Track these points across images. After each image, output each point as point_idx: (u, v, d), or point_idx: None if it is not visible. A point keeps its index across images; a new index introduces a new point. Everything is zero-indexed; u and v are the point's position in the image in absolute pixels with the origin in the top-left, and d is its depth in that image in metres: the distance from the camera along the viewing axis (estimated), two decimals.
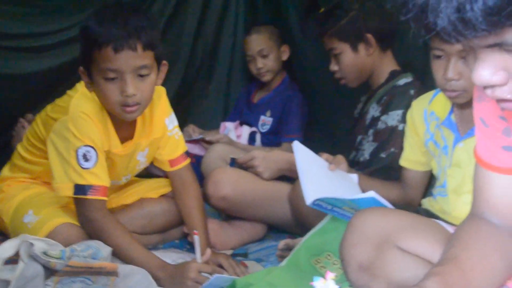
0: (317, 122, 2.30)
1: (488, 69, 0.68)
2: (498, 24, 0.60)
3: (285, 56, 2.27)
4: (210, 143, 2.10)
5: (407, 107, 1.62)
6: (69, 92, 1.53)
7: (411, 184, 1.61)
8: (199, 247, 1.42)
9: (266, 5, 2.46)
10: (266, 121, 2.26)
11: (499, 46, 0.65)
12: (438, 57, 1.37)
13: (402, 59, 1.81)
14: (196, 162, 2.03)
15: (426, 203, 1.56)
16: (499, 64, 0.67)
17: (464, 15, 0.59)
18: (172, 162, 1.61)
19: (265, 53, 2.22)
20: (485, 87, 0.70)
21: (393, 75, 1.76)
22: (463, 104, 1.40)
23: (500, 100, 0.71)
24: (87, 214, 1.41)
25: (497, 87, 0.69)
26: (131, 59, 1.31)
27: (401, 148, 1.62)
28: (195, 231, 1.45)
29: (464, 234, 0.91)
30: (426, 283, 0.79)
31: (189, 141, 2.10)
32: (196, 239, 1.42)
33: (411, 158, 1.59)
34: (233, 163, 1.77)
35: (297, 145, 1.50)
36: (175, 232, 1.71)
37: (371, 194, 1.27)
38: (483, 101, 0.90)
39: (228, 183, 1.68)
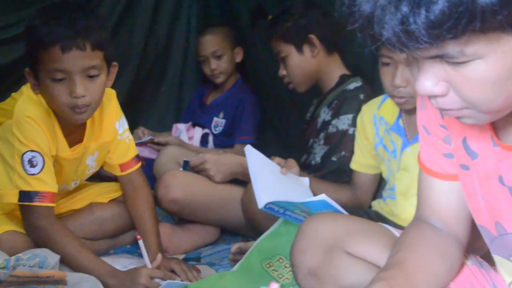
0: (270, 124, 2.34)
1: (431, 80, 0.70)
2: (440, 37, 0.62)
3: (238, 58, 2.28)
4: (160, 145, 2.09)
5: (357, 111, 1.67)
6: (14, 94, 1.49)
7: (362, 187, 1.66)
8: (145, 252, 1.42)
9: (220, 6, 2.47)
10: (219, 122, 2.27)
11: (441, 58, 0.68)
12: (386, 64, 1.42)
13: (351, 63, 1.87)
14: (146, 165, 2.02)
15: (376, 205, 1.62)
16: (440, 76, 0.70)
17: (407, 28, 0.62)
18: (122, 166, 1.59)
19: (218, 55, 2.22)
20: (429, 97, 0.73)
21: (343, 79, 1.81)
22: (410, 110, 1.45)
23: (443, 110, 0.74)
24: (33, 222, 1.38)
25: (439, 98, 0.72)
26: (80, 59, 1.29)
27: (351, 152, 1.67)
28: (138, 236, 1.44)
29: (408, 238, 0.94)
30: (371, 287, 0.83)
31: (138, 143, 2.08)
32: (141, 243, 1.41)
33: (361, 162, 1.64)
34: (186, 166, 1.77)
35: (249, 149, 1.52)
36: (126, 237, 1.70)
37: (322, 197, 1.31)
38: (426, 109, 0.95)
39: (178, 186, 1.68)
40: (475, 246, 1.02)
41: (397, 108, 1.52)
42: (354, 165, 1.66)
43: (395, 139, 1.52)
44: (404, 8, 0.61)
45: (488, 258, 0.98)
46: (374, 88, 1.74)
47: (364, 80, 1.81)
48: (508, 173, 0.81)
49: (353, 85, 1.78)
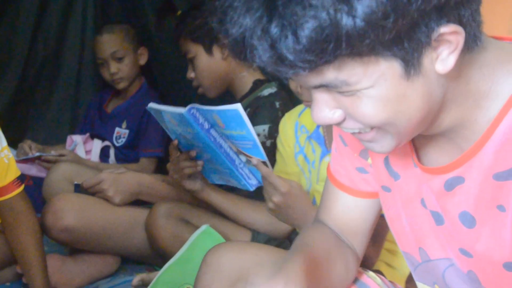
0: None
1: (324, 110, 0.73)
2: (311, 62, 0.64)
3: (143, 60, 2.22)
4: (50, 162, 1.97)
5: (273, 121, 1.65)
6: None
7: None
8: None
9: (120, 1, 2.40)
10: (121, 133, 2.19)
11: (325, 86, 0.69)
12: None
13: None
14: (34, 185, 1.93)
15: None
16: (332, 104, 0.72)
17: (278, 52, 0.64)
18: (0, 191, 1.46)
19: (119, 56, 2.14)
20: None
21: (257, 85, 1.78)
22: None
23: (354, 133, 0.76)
24: None
25: (342, 124, 0.74)
26: None
27: (272, 165, 1.63)
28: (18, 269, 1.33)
29: (311, 235, 0.96)
30: (291, 256, 0.84)
31: (25, 160, 1.97)
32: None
33: (284, 170, 1.61)
34: (77, 190, 1.69)
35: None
36: (7, 272, 1.62)
37: (236, 106, 1.34)
38: None
39: (71, 212, 1.61)
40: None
41: None
42: (276, 174, 1.62)
43: (315, 148, 1.51)
44: (273, 31, 0.63)
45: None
46: (291, 93, 1.72)
47: (281, 85, 1.78)
48: (430, 198, 0.82)
49: (267, 91, 1.75)
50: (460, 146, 0.76)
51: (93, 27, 2.37)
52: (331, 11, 0.61)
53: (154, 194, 1.69)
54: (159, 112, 1.54)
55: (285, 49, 0.63)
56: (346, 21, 0.62)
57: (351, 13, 0.62)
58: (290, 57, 0.64)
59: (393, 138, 0.74)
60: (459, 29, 0.66)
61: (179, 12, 1.87)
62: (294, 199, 1.27)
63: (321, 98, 0.72)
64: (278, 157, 1.63)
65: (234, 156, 1.49)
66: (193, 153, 1.55)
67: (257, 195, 1.65)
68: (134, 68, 2.18)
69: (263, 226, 1.56)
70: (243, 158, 1.48)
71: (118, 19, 2.32)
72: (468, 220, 0.77)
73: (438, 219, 0.82)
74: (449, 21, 0.66)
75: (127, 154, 2.16)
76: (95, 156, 2.14)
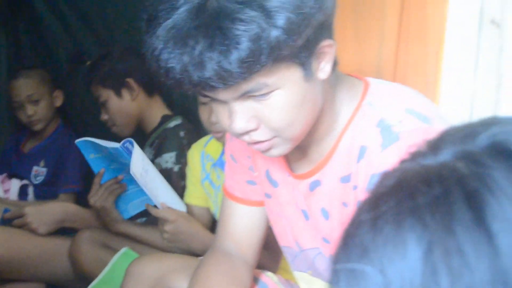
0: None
1: (243, 119, 0.84)
2: (250, 70, 0.76)
3: (58, 102, 2.28)
4: None
5: (179, 148, 1.82)
6: None
7: (201, 220, 1.76)
8: None
9: (33, 47, 2.45)
10: (39, 171, 2.23)
11: (248, 95, 0.82)
12: (204, 103, 1.61)
13: (177, 103, 2.03)
14: None
15: None
16: (250, 112, 0.84)
17: (224, 66, 0.75)
18: None
19: (35, 99, 2.19)
20: (241, 135, 0.86)
21: (165, 119, 1.96)
22: None
23: (254, 143, 0.87)
24: None
25: (252, 132, 0.86)
26: None
27: (181, 189, 1.79)
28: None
29: (204, 268, 1.10)
30: None
31: None
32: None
33: (195, 195, 1.77)
34: (1, 221, 1.74)
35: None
36: None
37: (117, 145, 1.55)
38: (234, 141, 1.12)
39: None
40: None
41: (221, 146, 1.71)
42: (188, 198, 1.77)
43: (220, 173, 1.68)
44: (215, 53, 0.75)
45: None
46: (198, 124, 1.91)
47: (187, 118, 1.97)
48: (300, 199, 1.01)
49: (173, 123, 1.92)
50: (319, 156, 0.95)
51: (7, 72, 2.39)
52: (263, 24, 0.73)
53: (78, 221, 1.78)
54: (88, 144, 1.67)
55: (229, 64, 0.74)
56: (274, 32, 0.74)
57: (275, 25, 0.74)
58: (235, 70, 0.75)
59: (288, 142, 0.87)
60: (333, 42, 0.84)
61: (88, 62, 2.00)
62: (183, 224, 1.45)
63: (240, 109, 0.83)
64: (188, 183, 1.78)
65: None
66: (121, 177, 1.69)
67: None
68: (50, 110, 2.23)
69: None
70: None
71: (32, 64, 2.36)
72: (325, 214, 0.96)
73: (306, 215, 1.00)
74: (327, 36, 0.83)
75: (46, 191, 2.19)
76: (14, 195, 2.15)
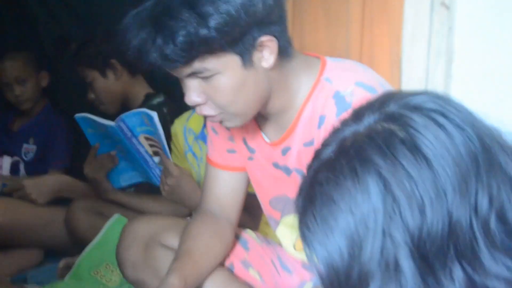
0: (85, 149, 2.46)
1: (193, 93, 1.00)
2: (186, 58, 0.92)
3: (44, 83, 2.35)
4: None
5: (162, 124, 1.91)
6: None
7: None
8: None
9: (19, 30, 2.50)
10: (29, 149, 2.31)
11: (194, 74, 0.97)
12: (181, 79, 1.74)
13: (160, 82, 2.14)
14: None
15: None
16: (199, 89, 1.00)
17: (164, 53, 0.92)
18: None
19: (22, 80, 2.27)
20: (195, 107, 1.01)
21: (148, 97, 2.08)
22: None
23: (207, 116, 1.04)
24: None
25: (202, 106, 1.02)
26: None
27: None
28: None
29: (193, 228, 1.23)
30: (168, 278, 1.09)
31: None
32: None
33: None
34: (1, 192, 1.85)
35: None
36: None
37: (154, 114, 1.67)
38: None
39: None
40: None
41: (202, 120, 1.83)
42: None
43: (202, 146, 1.80)
44: (159, 41, 0.92)
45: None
46: (181, 101, 2.02)
47: (170, 96, 2.08)
48: (279, 159, 1.17)
49: (156, 100, 2.05)
50: (286, 125, 1.11)
51: None
52: (194, 24, 0.90)
53: (73, 192, 1.91)
54: (87, 120, 1.79)
55: (169, 51, 0.92)
56: (204, 31, 0.91)
57: (207, 25, 0.90)
58: (173, 56, 0.92)
59: (236, 117, 1.03)
60: (273, 38, 0.98)
61: (74, 45, 2.09)
62: (184, 181, 1.54)
63: (191, 85, 1.00)
64: (172, 156, 1.88)
65: (149, 159, 1.78)
66: (113, 153, 1.82)
67: (159, 191, 1.95)
68: (37, 90, 2.31)
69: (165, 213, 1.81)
70: (157, 160, 1.77)
71: (17, 46, 2.41)
72: (300, 172, 1.11)
73: (287, 171, 1.15)
74: (265, 33, 0.97)
75: (36, 167, 2.27)
76: (6, 171, 2.23)
